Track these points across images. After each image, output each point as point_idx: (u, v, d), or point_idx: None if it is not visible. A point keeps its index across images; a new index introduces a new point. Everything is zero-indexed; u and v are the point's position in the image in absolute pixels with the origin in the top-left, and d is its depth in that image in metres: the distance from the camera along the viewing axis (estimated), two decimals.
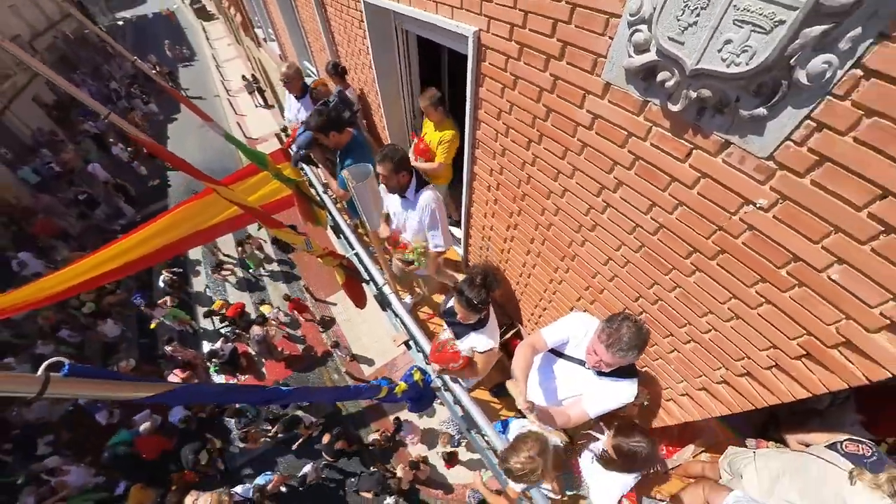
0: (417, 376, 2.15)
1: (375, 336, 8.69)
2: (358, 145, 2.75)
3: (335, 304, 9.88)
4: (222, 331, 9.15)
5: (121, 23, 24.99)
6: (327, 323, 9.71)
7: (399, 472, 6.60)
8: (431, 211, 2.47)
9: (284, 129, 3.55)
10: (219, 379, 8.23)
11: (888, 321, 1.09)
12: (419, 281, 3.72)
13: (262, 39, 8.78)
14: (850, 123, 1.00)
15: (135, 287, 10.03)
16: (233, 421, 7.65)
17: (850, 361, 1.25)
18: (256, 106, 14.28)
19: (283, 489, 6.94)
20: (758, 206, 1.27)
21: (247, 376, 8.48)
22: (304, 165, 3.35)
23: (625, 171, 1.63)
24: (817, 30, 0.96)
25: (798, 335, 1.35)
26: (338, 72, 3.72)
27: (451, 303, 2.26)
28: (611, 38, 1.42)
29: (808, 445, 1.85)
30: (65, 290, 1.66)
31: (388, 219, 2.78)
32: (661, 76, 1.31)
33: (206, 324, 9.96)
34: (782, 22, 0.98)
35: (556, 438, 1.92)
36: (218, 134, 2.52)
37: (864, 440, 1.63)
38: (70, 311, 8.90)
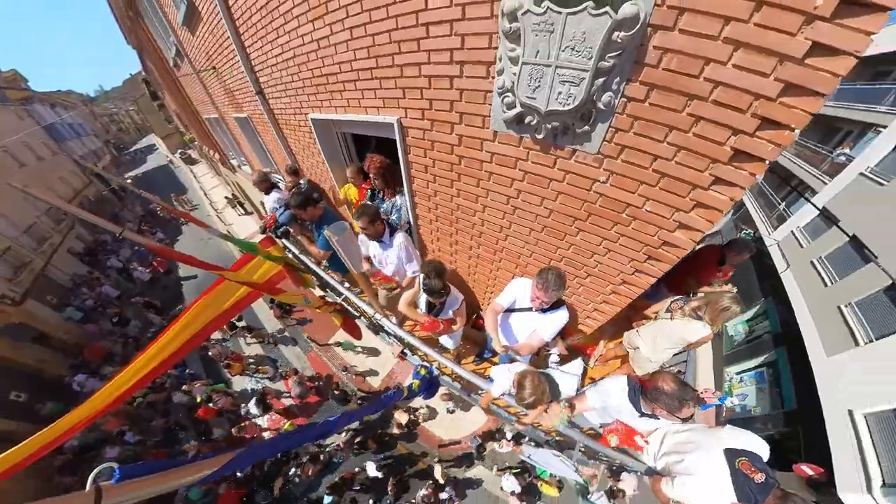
0: (423, 371, 2.19)
1: (372, 357, 9.14)
2: (329, 215, 2.80)
3: (338, 344, 9.71)
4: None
5: (129, 181, 27.19)
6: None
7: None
8: (405, 248, 2.61)
9: (263, 230, 3.43)
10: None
11: (677, 223, 1.57)
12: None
13: (236, 166, 8.93)
14: (629, 125, 1.47)
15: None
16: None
17: (664, 251, 1.71)
18: (240, 215, 15.88)
19: None
20: (601, 181, 1.70)
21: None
22: (286, 242, 3.24)
23: (520, 183, 2.01)
24: (600, 80, 1.41)
25: (640, 249, 1.81)
26: (293, 171, 3.93)
27: (424, 298, 2.44)
28: (490, 104, 1.80)
29: (656, 314, 2.38)
30: (116, 398, 1.47)
31: (369, 260, 2.84)
32: (527, 120, 1.70)
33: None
34: (583, 79, 1.41)
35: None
36: (216, 236, 2.36)
37: (678, 297, 2.20)
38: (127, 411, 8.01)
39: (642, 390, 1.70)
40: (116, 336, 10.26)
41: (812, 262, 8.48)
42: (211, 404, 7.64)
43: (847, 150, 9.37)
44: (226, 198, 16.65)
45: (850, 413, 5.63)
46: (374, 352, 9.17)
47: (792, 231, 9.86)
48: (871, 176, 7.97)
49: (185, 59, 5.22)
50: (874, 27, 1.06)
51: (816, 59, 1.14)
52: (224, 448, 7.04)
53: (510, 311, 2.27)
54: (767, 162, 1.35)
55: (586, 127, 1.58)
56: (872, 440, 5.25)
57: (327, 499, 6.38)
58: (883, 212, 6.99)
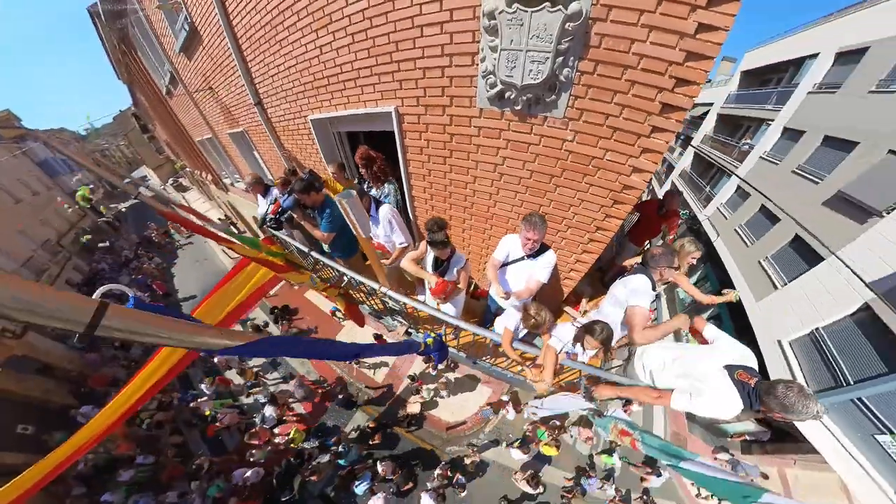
0: (433, 335, 2.36)
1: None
2: (330, 200, 3.04)
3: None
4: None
5: (123, 209, 29.11)
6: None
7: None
8: (389, 220, 2.90)
9: (263, 221, 3.55)
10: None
11: (631, 168, 2.03)
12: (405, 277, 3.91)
13: (229, 185, 9.06)
14: (585, 92, 1.96)
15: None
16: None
17: (625, 194, 2.16)
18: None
19: None
20: (569, 140, 2.16)
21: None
22: (285, 237, 3.43)
23: (504, 150, 2.44)
24: (560, 59, 1.88)
25: (606, 195, 2.26)
26: (284, 182, 3.99)
27: (430, 259, 2.70)
28: (475, 87, 2.24)
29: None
30: (126, 411, 1.53)
31: None
32: (507, 95, 2.15)
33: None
34: (547, 58, 1.87)
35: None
36: (218, 230, 2.48)
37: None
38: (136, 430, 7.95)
39: (647, 270, 2.19)
40: (120, 361, 10.31)
41: (735, 230, 10.31)
42: (217, 423, 7.55)
43: (749, 141, 11.61)
44: (219, 219, 17.29)
45: (779, 342, 6.98)
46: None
47: (717, 207, 11.90)
48: (767, 158, 10.14)
49: (180, 84, 5.48)
50: (734, 10, 1.58)
51: (703, 34, 1.66)
52: (236, 460, 6.86)
53: (505, 265, 2.62)
54: (686, 111, 1.85)
55: (553, 96, 2.05)
56: (798, 360, 6.59)
57: (363, 485, 6.35)
58: (779, 183, 8.93)
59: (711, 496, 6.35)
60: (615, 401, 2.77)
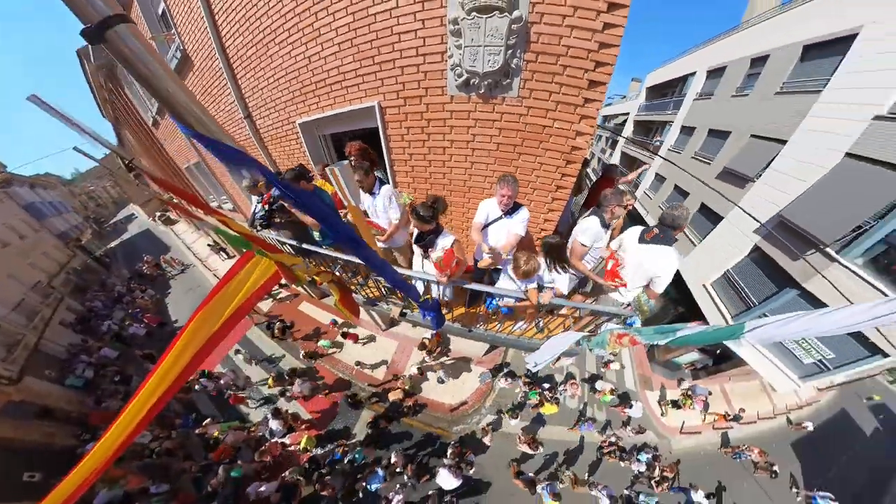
0: (430, 298, 2.66)
1: (372, 351, 9.79)
2: (319, 189, 3.30)
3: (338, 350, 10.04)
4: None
5: (113, 246, 28.91)
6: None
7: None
8: (389, 197, 3.25)
9: (254, 220, 3.63)
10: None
11: (575, 132, 2.65)
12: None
13: (216, 208, 8.97)
14: (531, 76, 2.59)
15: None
16: None
17: (574, 154, 2.78)
18: (223, 259, 17.04)
19: None
20: (524, 114, 2.74)
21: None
22: (275, 235, 3.60)
23: (474, 129, 2.99)
24: (510, 52, 2.50)
25: (559, 157, 2.88)
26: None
27: (415, 231, 2.95)
28: (445, 78, 2.78)
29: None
30: (133, 430, 1.42)
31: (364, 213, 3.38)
32: (471, 82, 2.72)
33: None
34: (500, 51, 2.47)
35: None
36: (212, 229, 2.61)
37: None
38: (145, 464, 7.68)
39: (598, 212, 2.78)
40: (121, 395, 10.11)
41: (659, 206, 13.03)
42: (222, 446, 7.40)
43: (659, 138, 14.98)
44: (208, 245, 18.50)
45: (704, 286, 8.92)
46: (372, 339, 9.97)
47: (644, 191, 15.06)
48: (673, 149, 13.09)
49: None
50: (625, 12, 2.29)
51: (608, 30, 2.36)
52: (251, 478, 6.77)
53: (486, 226, 3.07)
54: (605, 85, 2.52)
55: (508, 80, 2.65)
56: (719, 296, 8.54)
57: (375, 483, 6.41)
58: (685, 166, 11.47)
59: (670, 406, 9.29)
60: (604, 324, 3.21)
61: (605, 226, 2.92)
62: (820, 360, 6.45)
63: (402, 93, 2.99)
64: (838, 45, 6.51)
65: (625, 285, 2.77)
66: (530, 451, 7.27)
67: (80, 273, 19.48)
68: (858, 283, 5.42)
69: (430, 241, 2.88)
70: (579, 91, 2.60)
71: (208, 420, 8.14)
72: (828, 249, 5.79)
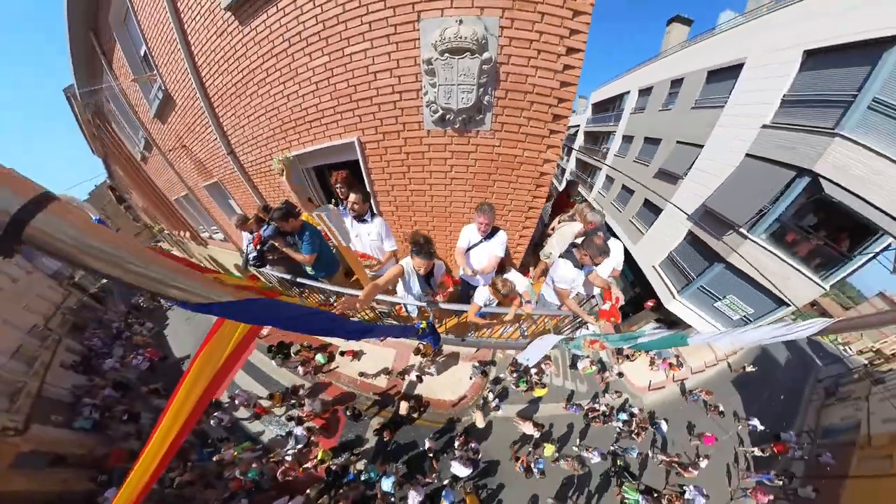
0: (424, 323, 2.71)
1: (372, 361, 9.87)
2: (307, 225, 3.26)
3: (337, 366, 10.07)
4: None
5: (106, 281, 21.63)
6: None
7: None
8: (385, 226, 3.29)
9: (247, 261, 3.53)
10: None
11: (543, 159, 2.89)
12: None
13: (207, 238, 9.07)
14: (502, 111, 2.78)
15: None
16: None
17: (542, 179, 3.02)
18: None
19: None
20: (497, 146, 2.95)
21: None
22: (268, 271, 3.53)
23: (451, 161, 3.16)
24: (482, 89, 2.70)
25: (530, 182, 3.10)
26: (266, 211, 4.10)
27: (415, 281, 2.97)
28: (422, 114, 2.93)
29: (553, 229, 3.67)
30: (149, 479, 1.46)
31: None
32: (447, 117, 2.90)
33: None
34: (473, 89, 2.67)
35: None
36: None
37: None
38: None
39: (571, 255, 2.88)
40: (132, 435, 9.90)
41: (612, 203, 14.55)
42: (238, 474, 7.22)
43: (606, 146, 17.29)
44: None
45: (654, 267, 10.34)
46: (371, 351, 9.89)
47: (598, 191, 16.95)
48: (618, 155, 15.16)
49: (155, 146, 5.76)
50: (581, 56, 2.56)
51: (567, 71, 2.62)
52: (275, 496, 6.73)
53: (468, 250, 3.22)
54: (568, 118, 2.79)
55: (481, 115, 2.85)
56: (666, 275, 9.86)
57: (387, 480, 6.60)
58: (628, 169, 13.21)
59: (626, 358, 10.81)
60: (580, 330, 3.43)
61: (579, 267, 2.89)
62: (745, 316, 7.96)
63: (381, 128, 3.09)
64: (732, 71, 8.38)
65: (619, 322, 2.96)
66: (535, 433, 8.00)
67: (75, 311, 18.81)
68: (765, 254, 6.99)
69: (431, 275, 2.97)
70: (545, 124, 2.85)
71: (222, 446, 8.14)
72: (741, 229, 7.22)
